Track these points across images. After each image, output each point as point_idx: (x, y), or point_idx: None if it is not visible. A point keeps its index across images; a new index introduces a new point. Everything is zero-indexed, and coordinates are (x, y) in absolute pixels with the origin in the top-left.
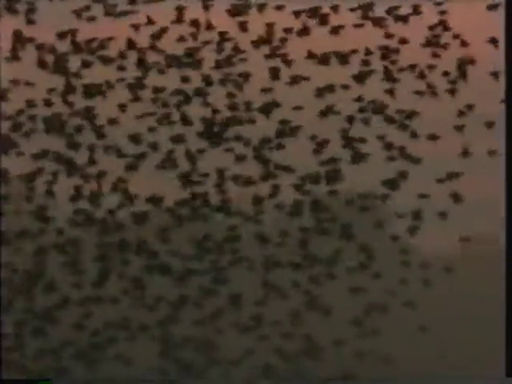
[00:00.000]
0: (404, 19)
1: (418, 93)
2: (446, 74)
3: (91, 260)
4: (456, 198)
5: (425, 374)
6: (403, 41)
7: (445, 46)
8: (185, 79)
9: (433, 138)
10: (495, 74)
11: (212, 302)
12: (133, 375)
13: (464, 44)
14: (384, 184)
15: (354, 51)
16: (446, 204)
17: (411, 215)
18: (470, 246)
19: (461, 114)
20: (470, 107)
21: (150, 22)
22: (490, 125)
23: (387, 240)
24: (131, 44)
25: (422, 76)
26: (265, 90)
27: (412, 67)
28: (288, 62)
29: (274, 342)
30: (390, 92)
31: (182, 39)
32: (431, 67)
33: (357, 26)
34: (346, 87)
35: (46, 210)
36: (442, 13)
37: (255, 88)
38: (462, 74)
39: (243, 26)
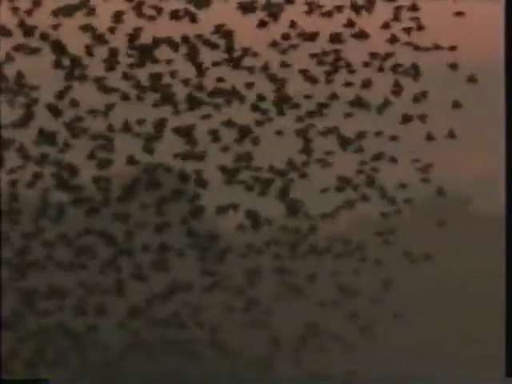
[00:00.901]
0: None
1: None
2: (398, 65)
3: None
4: (426, 180)
5: (424, 374)
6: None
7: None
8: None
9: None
10: (453, 66)
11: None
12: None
13: (420, 28)
14: (358, 172)
15: (316, 34)
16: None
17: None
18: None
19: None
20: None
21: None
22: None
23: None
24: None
25: (381, 68)
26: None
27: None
28: (253, 54)
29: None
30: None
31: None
32: (389, 55)
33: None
34: (315, 80)
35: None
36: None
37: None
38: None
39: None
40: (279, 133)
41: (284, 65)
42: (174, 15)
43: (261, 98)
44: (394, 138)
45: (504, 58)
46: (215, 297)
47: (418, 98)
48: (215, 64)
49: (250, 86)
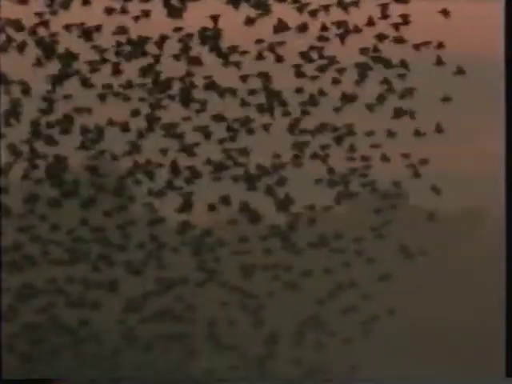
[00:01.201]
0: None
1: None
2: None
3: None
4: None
5: (424, 374)
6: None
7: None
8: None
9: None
10: (439, 61)
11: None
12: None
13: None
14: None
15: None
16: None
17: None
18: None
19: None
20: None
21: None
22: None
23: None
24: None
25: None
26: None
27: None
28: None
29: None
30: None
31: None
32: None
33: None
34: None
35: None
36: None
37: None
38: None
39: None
40: (267, 128)
41: (274, 61)
42: (164, 10)
43: (251, 92)
44: (389, 134)
45: (504, 58)
46: (210, 291)
47: (414, 95)
48: (206, 60)
49: (240, 81)
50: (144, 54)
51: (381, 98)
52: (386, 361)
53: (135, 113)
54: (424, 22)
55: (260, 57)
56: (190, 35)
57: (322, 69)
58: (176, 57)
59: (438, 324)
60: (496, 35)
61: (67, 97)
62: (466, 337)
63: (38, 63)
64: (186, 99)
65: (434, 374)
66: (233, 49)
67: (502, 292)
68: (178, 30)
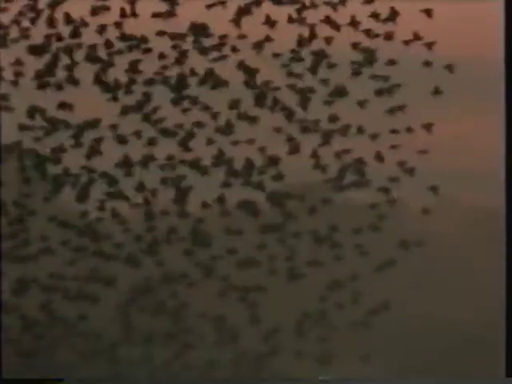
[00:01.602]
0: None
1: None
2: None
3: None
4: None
5: (424, 374)
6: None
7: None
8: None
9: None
10: (427, 63)
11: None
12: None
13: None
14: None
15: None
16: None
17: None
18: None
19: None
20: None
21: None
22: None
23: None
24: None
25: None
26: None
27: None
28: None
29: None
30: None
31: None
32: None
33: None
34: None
35: None
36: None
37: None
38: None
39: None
40: (256, 122)
41: (264, 58)
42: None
43: (245, 85)
44: (393, 131)
45: (504, 58)
46: (207, 286)
47: (410, 93)
48: (196, 55)
49: (231, 79)
50: (134, 48)
51: (378, 95)
52: (385, 360)
53: (130, 108)
54: (425, 22)
55: (251, 52)
56: (182, 35)
57: (313, 66)
58: (165, 54)
59: (437, 323)
60: (496, 35)
61: (60, 88)
62: (466, 336)
63: (19, 62)
64: (178, 93)
65: (434, 374)
66: (222, 44)
67: (502, 292)
68: (171, 14)
